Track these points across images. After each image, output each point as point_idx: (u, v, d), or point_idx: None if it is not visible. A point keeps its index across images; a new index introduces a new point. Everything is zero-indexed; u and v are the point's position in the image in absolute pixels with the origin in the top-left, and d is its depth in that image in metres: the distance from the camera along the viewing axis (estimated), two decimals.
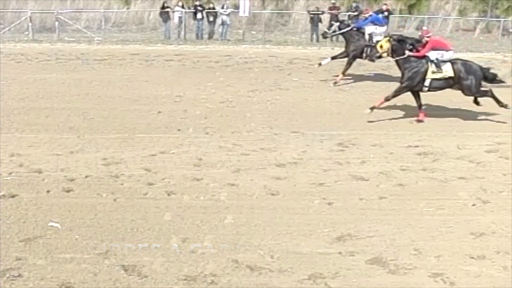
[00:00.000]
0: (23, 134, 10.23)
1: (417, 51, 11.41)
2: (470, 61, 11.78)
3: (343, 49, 15.41)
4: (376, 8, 24.04)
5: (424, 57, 11.34)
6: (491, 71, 11.92)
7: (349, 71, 15.15)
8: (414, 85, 11.38)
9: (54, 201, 7.44)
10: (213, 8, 23.23)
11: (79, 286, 5.59)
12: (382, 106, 11.46)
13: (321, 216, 7.18)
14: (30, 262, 5.96)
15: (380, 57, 11.77)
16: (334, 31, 15.35)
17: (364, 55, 14.56)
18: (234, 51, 19.84)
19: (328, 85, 14.60)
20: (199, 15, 22.91)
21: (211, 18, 23.12)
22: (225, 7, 23.15)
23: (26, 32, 22.56)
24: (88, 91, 13.54)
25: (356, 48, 14.61)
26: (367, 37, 14.76)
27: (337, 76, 14.75)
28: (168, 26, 23.00)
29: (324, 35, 16.14)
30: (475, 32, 25.10)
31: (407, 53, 11.35)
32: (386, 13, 22.53)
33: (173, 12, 23.07)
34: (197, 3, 23.04)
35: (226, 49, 20.37)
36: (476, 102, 11.74)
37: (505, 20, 24.00)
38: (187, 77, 15.36)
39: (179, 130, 10.70)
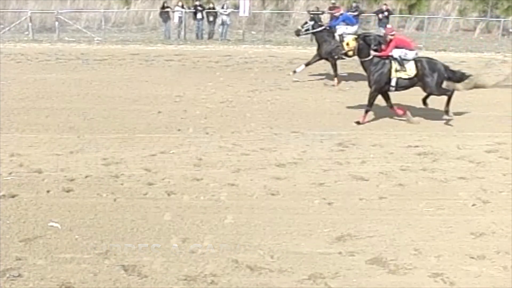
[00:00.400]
0: (23, 134, 10.24)
1: (382, 50, 11.35)
2: (435, 60, 11.66)
3: (315, 53, 15.24)
4: (376, 8, 24.08)
5: (387, 56, 11.27)
6: (462, 71, 11.85)
7: (349, 71, 15.11)
8: (382, 87, 11.32)
9: (54, 201, 7.45)
10: (213, 8, 23.23)
11: (79, 286, 5.59)
12: (366, 119, 11.36)
13: (321, 216, 7.19)
14: (30, 262, 5.96)
15: (345, 54, 11.72)
16: (307, 30, 15.29)
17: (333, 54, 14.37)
18: (234, 51, 19.84)
19: (328, 85, 14.58)
20: (199, 15, 22.91)
21: (211, 18, 23.11)
22: (225, 7, 23.15)
23: (26, 32, 22.55)
24: (88, 91, 13.54)
25: (332, 50, 14.34)
26: (337, 37, 14.66)
27: (334, 81, 14.70)
28: (168, 26, 22.99)
29: (297, 33, 16.05)
30: (475, 32, 25.09)
31: (372, 53, 11.29)
32: (386, 13, 22.57)
33: (173, 12, 23.06)
34: (197, 3, 23.03)
35: (226, 49, 20.37)
36: (424, 102, 11.66)
37: (505, 20, 24.00)
38: (187, 77, 15.36)
39: (179, 130, 10.70)
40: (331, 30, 14.99)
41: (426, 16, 24.00)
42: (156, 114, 11.65)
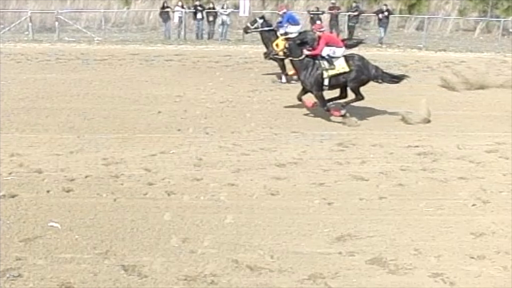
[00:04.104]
0: (23, 134, 10.23)
1: (314, 49, 11.34)
2: (367, 59, 11.64)
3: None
4: (376, 8, 24.08)
5: (317, 56, 11.25)
6: (390, 72, 11.97)
7: None
8: (321, 87, 11.29)
9: (54, 201, 7.44)
10: (213, 8, 23.23)
11: (79, 286, 5.59)
12: (339, 115, 11.34)
13: (321, 216, 7.19)
14: (30, 262, 5.96)
15: (276, 55, 11.69)
16: (256, 28, 15.27)
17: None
18: (234, 51, 19.83)
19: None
20: (199, 15, 22.90)
21: (211, 18, 23.11)
22: (225, 7, 23.15)
23: (26, 32, 22.54)
24: (88, 91, 13.53)
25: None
26: (279, 35, 14.61)
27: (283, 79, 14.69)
28: (168, 26, 22.99)
29: (246, 30, 16.02)
30: (475, 32, 25.09)
31: (305, 52, 11.25)
32: (386, 13, 22.58)
33: (173, 12, 23.06)
34: (197, 3, 23.03)
35: (226, 49, 20.37)
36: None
37: (505, 20, 23.99)
38: (187, 77, 15.36)
39: (179, 130, 10.70)
40: (275, 30, 14.94)
41: (426, 16, 24.00)
42: (156, 114, 11.65)
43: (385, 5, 23.11)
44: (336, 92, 11.62)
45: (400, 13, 25.49)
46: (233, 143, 9.96)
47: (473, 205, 7.59)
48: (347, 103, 11.47)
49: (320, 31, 11.49)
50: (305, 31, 13.22)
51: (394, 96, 13.14)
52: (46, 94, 13.15)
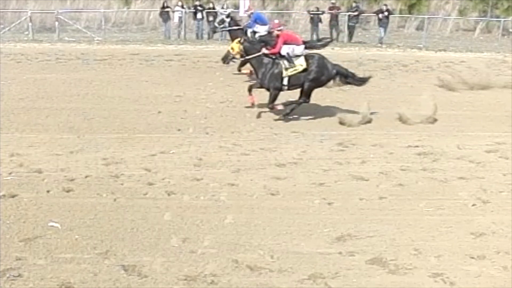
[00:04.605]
0: (23, 134, 10.23)
1: (272, 48, 11.30)
2: (327, 59, 11.58)
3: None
4: (376, 8, 24.08)
5: (276, 55, 11.20)
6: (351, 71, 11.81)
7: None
8: (280, 86, 11.25)
9: (54, 201, 7.44)
10: (213, 8, 23.22)
11: (79, 286, 5.59)
12: (277, 109, 11.37)
13: (321, 216, 7.19)
14: (30, 262, 5.96)
15: (233, 58, 11.66)
16: (224, 27, 15.26)
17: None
18: None
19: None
20: (199, 15, 22.90)
21: (211, 18, 23.10)
22: (225, 7, 23.14)
23: (26, 32, 22.54)
24: (88, 91, 13.53)
25: None
26: (249, 35, 14.60)
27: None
28: (168, 26, 22.99)
29: (213, 30, 16.06)
30: (475, 32, 25.09)
31: (263, 50, 11.22)
32: (386, 13, 22.57)
33: (173, 12, 23.06)
34: (197, 3, 23.03)
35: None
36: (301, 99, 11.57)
37: (505, 20, 24.00)
38: (187, 77, 15.36)
39: (179, 130, 10.70)
40: (244, 30, 14.92)
41: (426, 16, 24.00)
42: (156, 114, 11.65)
43: (385, 5, 23.11)
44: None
45: (400, 13, 25.49)
46: (233, 143, 9.96)
47: (473, 205, 7.60)
48: (292, 109, 11.35)
49: (278, 30, 11.47)
50: (270, 33, 13.20)
51: (394, 96, 13.14)
52: (46, 94, 13.15)
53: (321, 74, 11.23)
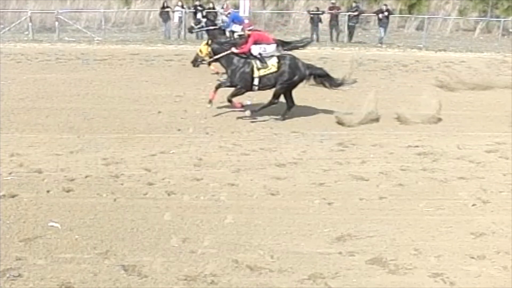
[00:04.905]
0: (23, 134, 10.23)
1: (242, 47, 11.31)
2: (299, 59, 11.56)
3: None
4: (376, 8, 24.07)
5: (248, 55, 11.19)
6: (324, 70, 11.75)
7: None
8: (248, 86, 11.23)
9: (54, 201, 7.44)
10: (213, 8, 23.22)
11: (79, 286, 5.59)
12: (237, 106, 11.40)
13: (321, 216, 7.19)
14: (30, 262, 5.96)
15: (203, 61, 11.64)
16: (201, 27, 15.25)
17: None
18: None
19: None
20: (199, 15, 22.88)
21: (211, 18, 23.09)
22: (225, 7, 23.14)
23: (26, 32, 22.53)
24: (88, 91, 13.53)
25: None
26: (228, 34, 14.60)
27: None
28: (168, 26, 22.98)
29: (190, 30, 16.05)
30: (475, 32, 25.08)
31: (232, 49, 11.21)
32: (386, 13, 22.57)
33: (173, 12, 23.06)
34: (197, 3, 23.02)
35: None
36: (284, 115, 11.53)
37: (505, 20, 23.99)
38: (187, 77, 15.34)
39: (179, 130, 10.70)
40: (223, 29, 14.90)
41: (426, 16, 23.99)
42: (156, 114, 11.65)
43: (385, 5, 23.10)
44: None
45: (400, 13, 25.49)
46: (233, 143, 9.96)
47: (473, 205, 7.60)
48: (262, 108, 11.31)
49: (249, 30, 11.46)
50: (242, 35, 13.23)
51: (394, 96, 13.14)
52: (46, 94, 13.15)
53: (293, 74, 11.18)
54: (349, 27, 22.99)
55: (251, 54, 11.20)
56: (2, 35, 21.55)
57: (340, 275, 5.86)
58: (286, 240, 6.55)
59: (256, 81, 11.20)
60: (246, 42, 11.31)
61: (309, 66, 11.48)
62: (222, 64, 11.50)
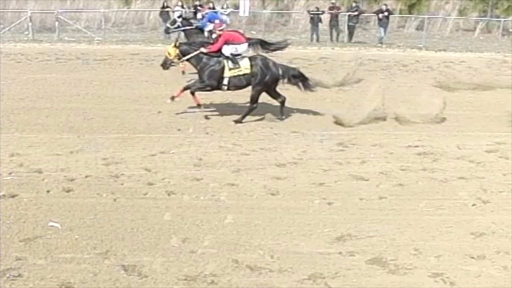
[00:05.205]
0: (23, 134, 10.23)
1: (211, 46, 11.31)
2: (272, 60, 11.54)
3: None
4: (376, 8, 24.09)
5: (219, 54, 11.18)
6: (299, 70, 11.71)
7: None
8: (215, 85, 11.21)
9: (54, 201, 7.44)
10: (213, 8, 23.22)
11: (79, 286, 5.59)
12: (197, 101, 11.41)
13: (321, 216, 7.19)
14: (30, 262, 5.96)
15: (172, 63, 11.57)
16: (177, 27, 15.24)
17: None
18: None
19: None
20: (199, 15, 22.89)
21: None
22: (225, 7, 23.15)
23: (26, 32, 22.55)
24: (88, 91, 13.53)
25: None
26: (206, 34, 14.58)
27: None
28: None
29: (167, 31, 16.01)
30: (475, 32, 25.10)
31: (201, 49, 11.21)
32: (386, 13, 22.57)
33: (173, 12, 23.05)
34: (197, 3, 23.03)
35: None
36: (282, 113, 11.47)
37: (505, 20, 24.00)
38: (187, 77, 15.33)
39: (179, 130, 10.70)
40: (201, 29, 14.87)
41: (426, 16, 24.00)
42: (156, 114, 11.65)
43: (385, 5, 23.11)
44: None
45: (400, 13, 25.50)
46: (233, 143, 9.96)
47: (473, 205, 7.60)
48: (245, 116, 11.25)
49: (220, 30, 11.47)
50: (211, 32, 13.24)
51: (394, 96, 13.13)
52: (46, 94, 13.15)
53: (265, 75, 11.12)
54: (349, 27, 23.01)
55: (223, 54, 11.20)
56: (2, 35, 21.56)
57: (340, 275, 5.86)
58: (286, 240, 6.55)
59: (225, 81, 11.18)
60: (216, 41, 11.33)
61: (281, 66, 11.44)
62: (192, 64, 11.47)
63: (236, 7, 23.82)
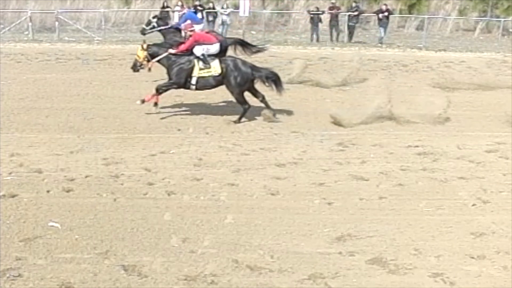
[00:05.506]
0: (23, 134, 10.23)
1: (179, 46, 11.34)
2: (242, 60, 11.55)
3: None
4: (376, 8, 24.08)
5: (190, 53, 11.19)
6: (272, 70, 11.63)
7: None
8: (183, 82, 11.23)
9: (54, 201, 7.45)
10: (213, 8, 23.23)
11: (79, 286, 5.59)
12: (152, 100, 11.37)
13: (321, 216, 7.19)
14: (30, 262, 5.96)
15: (141, 66, 11.53)
16: (152, 28, 15.22)
17: None
18: None
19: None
20: (199, 15, 22.86)
21: (211, 18, 23.11)
22: (225, 7, 23.15)
23: (26, 32, 22.54)
24: (88, 91, 13.53)
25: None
26: (183, 34, 14.57)
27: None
28: None
29: (142, 32, 15.97)
30: (475, 32, 25.10)
31: (169, 50, 11.24)
32: (386, 13, 22.57)
33: (173, 12, 23.06)
34: (197, 3, 23.03)
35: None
36: (269, 108, 11.47)
37: (505, 20, 24.00)
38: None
39: (179, 130, 10.70)
40: (178, 28, 14.86)
41: (426, 16, 24.00)
42: (156, 114, 11.65)
43: (385, 5, 23.10)
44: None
45: (400, 13, 25.50)
46: (233, 143, 9.96)
47: (473, 205, 7.60)
48: (241, 117, 11.24)
49: (191, 31, 11.49)
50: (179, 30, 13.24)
51: (394, 96, 13.12)
52: (46, 94, 13.15)
53: (236, 76, 11.10)
54: (349, 27, 23.00)
55: (193, 54, 11.22)
56: (2, 35, 21.56)
57: (340, 275, 5.86)
58: (286, 240, 6.55)
59: (193, 81, 11.20)
60: (186, 42, 11.38)
61: (253, 66, 11.43)
62: (162, 65, 11.46)
63: (236, 7, 23.81)
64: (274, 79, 11.39)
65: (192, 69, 11.16)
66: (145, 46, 11.46)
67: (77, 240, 6.44)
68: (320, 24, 23.08)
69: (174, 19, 23.01)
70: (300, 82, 14.33)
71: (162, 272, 5.85)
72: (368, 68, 16.29)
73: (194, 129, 10.76)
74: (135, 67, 11.65)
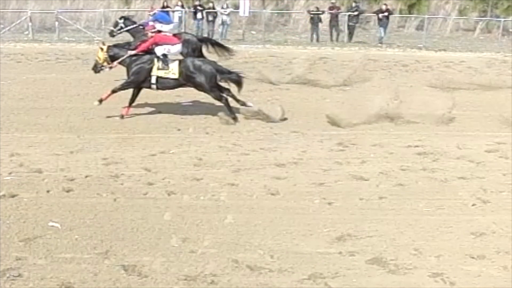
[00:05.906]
0: (23, 134, 10.23)
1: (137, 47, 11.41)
2: (203, 60, 11.64)
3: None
4: (376, 8, 24.09)
5: (150, 53, 11.24)
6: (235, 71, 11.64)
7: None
8: (141, 81, 11.26)
9: (54, 201, 7.44)
10: (213, 8, 23.23)
11: (79, 286, 5.59)
12: (109, 98, 11.36)
13: (321, 216, 7.19)
14: (30, 262, 5.96)
15: (102, 67, 11.54)
16: (120, 28, 15.23)
17: None
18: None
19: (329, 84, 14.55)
20: (199, 15, 22.91)
21: (211, 18, 23.12)
22: (225, 7, 23.16)
23: (26, 32, 22.56)
24: (88, 91, 13.52)
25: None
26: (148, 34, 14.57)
27: None
28: None
29: (111, 34, 15.95)
30: (475, 32, 25.11)
31: (129, 52, 11.30)
32: (386, 13, 22.58)
33: (173, 12, 23.07)
34: (197, 3, 23.05)
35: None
36: (237, 100, 11.47)
37: (505, 20, 24.02)
38: None
39: (179, 130, 10.70)
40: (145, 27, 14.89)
41: (426, 16, 24.02)
42: (156, 114, 11.65)
43: (385, 5, 23.13)
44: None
45: (400, 13, 25.51)
46: (233, 143, 9.96)
47: (473, 205, 7.59)
48: (232, 113, 11.27)
49: (152, 32, 11.51)
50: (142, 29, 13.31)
51: (399, 95, 13.13)
52: (46, 94, 13.15)
53: (197, 75, 11.11)
54: (349, 27, 23.03)
55: (153, 53, 11.26)
56: (2, 35, 21.57)
57: (340, 275, 5.85)
58: (286, 240, 6.54)
59: (153, 79, 11.22)
60: (145, 42, 11.45)
61: (214, 64, 11.49)
62: (123, 65, 11.46)
63: (236, 7, 23.82)
64: (237, 80, 11.43)
65: (151, 68, 11.22)
66: (104, 48, 11.44)
67: (77, 240, 6.44)
68: (320, 24, 23.11)
69: (174, 19, 23.06)
70: (300, 82, 14.34)
71: (162, 272, 5.85)
72: (368, 68, 16.29)
73: (194, 129, 10.77)
74: (96, 68, 11.74)
